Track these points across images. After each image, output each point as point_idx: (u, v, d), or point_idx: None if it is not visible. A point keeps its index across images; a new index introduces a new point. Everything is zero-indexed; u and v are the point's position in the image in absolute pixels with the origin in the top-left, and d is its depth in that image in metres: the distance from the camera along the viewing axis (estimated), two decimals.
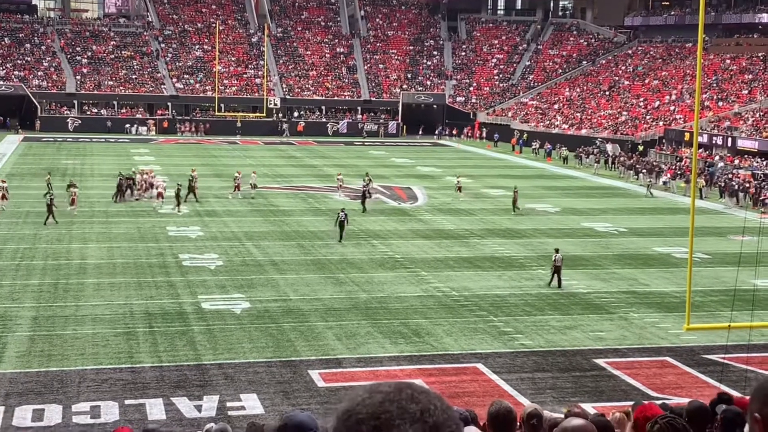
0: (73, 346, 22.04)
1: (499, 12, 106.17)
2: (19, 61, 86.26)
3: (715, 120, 68.08)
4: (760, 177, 53.32)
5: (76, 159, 61.70)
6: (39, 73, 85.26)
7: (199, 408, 18.39)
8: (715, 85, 75.17)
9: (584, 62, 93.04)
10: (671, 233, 39.30)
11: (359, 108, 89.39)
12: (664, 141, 68.86)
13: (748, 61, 76.97)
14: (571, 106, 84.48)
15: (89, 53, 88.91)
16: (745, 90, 72.57)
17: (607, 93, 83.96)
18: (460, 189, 48.57)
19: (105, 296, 26.72)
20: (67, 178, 47.71)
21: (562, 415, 8.42)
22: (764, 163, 57.35)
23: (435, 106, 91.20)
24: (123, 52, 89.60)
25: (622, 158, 64.39)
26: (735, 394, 12.25)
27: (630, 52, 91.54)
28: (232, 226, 38.75)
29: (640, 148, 68.53)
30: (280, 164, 62.04)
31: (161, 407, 18.36)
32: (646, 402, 7.40)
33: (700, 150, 59.50)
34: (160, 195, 42.74)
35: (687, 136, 64.53)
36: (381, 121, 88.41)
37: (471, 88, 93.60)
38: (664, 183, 55.25)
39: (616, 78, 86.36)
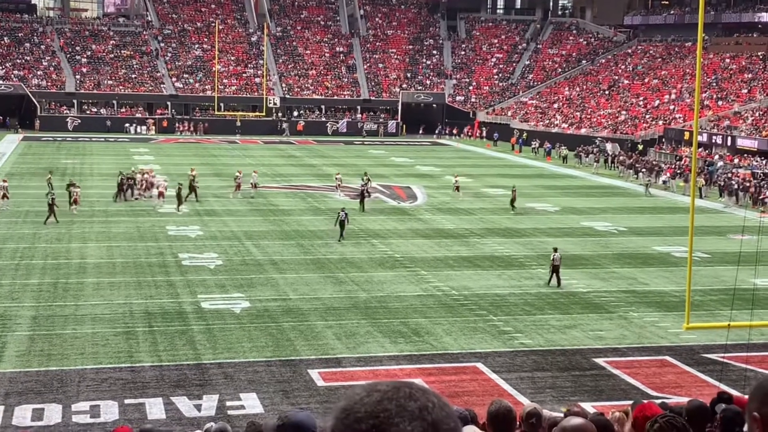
0: (72, 345, 22.04)
1: (498, 11, 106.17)
2: (18, 61, 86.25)
3: (715, 119, 68.09)
4: (760, 176, 53.33)
5: (75, 158, 61.70)
6: (38, 73, 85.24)
7: (198, 407, 18.40)
8: (714, 84, 75.17)
9: (584, 61, 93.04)
10: (671, 232, 39.30)
11: (359, 107, 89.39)
12: (663, 140, 68.87)
13: (748, 60, 76.97)
14: (570, 105, 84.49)
15: (89, 52, 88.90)
16: (745, 89, 72.57)
17: (607, 92, 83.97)
18: (458, 188, 48.62)
19: (104, 296, 26.73)
20: (66, 177, 47.69)
21: (562, 415, 8.43)
22: (764, 162, 57.36)
23: (434, 105, 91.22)
24: (122, 51, 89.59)
25: (621, 157, 64.40)
26: (735, 393, 12.26)
27: (629, 51, 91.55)
28: (231, 225, 38.76)
29: (640, 147, 68.54)
30: (280, 163, 62.04)
31: (161, 406, 18.36)
32: (645, 401, 7.41)
33: (700, 149, 59.51)
34: (161, 194, 42.87)
35: (686, 135, 64.54)
36: (380, 120, 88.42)
37: (470, 88, 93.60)
38: (664, 182, 55.27)
39: (616, 77, 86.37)
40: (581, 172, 62.97)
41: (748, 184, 50.57)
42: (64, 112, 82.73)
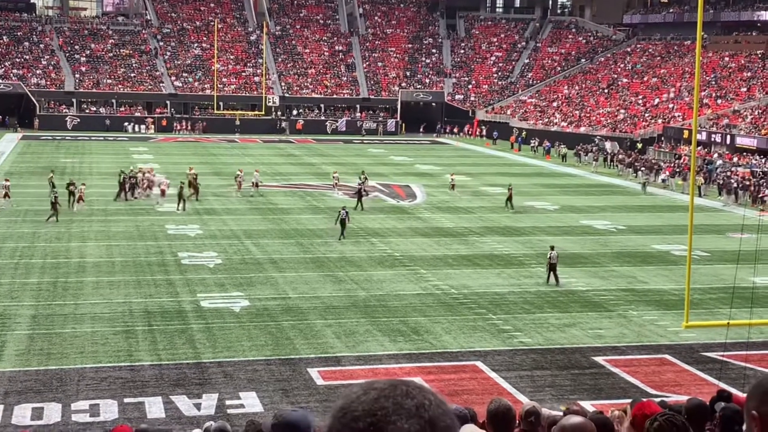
0: (72, 344, 22.04)
1: (497, 10, 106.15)
2: (17, 60, 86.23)
3: (714, 117, 68.10)
4: (759, 174, 53.34)
5: (74, 157, 61.69)
6: (38, 72, 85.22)
7: (198, 406, 18.40)
8: (713, 82, 75.18)
9: (583, 60, 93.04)
10: (670, 231, 39.31)
11: (358, 106, 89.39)
12: (662, 138, 68.88)
13: (747, 58, 76.98)
14: (569, 103, 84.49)
15: (88, 51, 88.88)
16: (744, 87, 72.58)
17: (606, 91, 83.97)
18: (453, 186, 48.75)
19: (104, 295, 26.73)
20: (66, 176, 47.69)
21: (561, 413, 8.43)
22: (763, 160, 57.36)
23: (434, 104, 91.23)
24: (121, 50, 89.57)
25: (620, 156, 64.41)
26: (734, 391, 12.27)
27: (629, 49, 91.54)
28: (231, 224, 38.76)
29: (639, 145, 68.53)
30: (279, 162, 62.03)
31: (160, 405, 18.37)
32: (644, 399, 7.41)
33: (699, 147, 59.51)
34: (163, 192, 43.13)
35: (686, 133, 64.56)
36: (380, 119, 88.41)
37: (470, 86, 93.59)
38: (663, 180, 55.29)
39: (615, 76, 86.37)
40: (580, 170, 62.98)
41: (747, 183, 50.58)
42: (64, 111, 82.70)
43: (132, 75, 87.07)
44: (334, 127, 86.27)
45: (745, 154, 59.93)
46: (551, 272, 29.24)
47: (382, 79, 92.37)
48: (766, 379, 2.53)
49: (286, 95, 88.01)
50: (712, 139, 64.16)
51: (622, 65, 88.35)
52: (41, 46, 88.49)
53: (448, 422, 2.06)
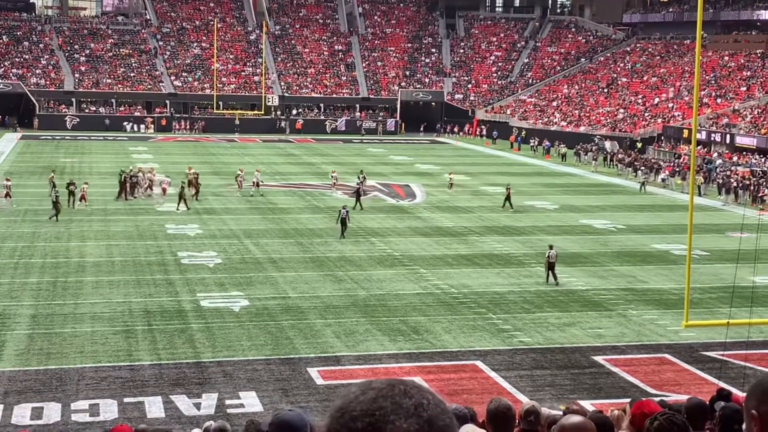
0: (71, 344, 22.04)
1: (497, 9, 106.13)
2: (17, 59, 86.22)
3: (714, 117, 68.10)
4: (758, 174, 53.34)
5: (74, 157, 61.69)
6: (37, 71, 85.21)
7: (198, 406, 18.40)
8: (713, 82, 75.18)
9: (582, 59, 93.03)
10: (669, 230, 39.31)
11: (358, 105, 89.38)
12: (662, 138, 68.88)
13: (747, 58, 76.98)
14: (569, 103, 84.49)
15: (87, 51, 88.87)
16: (744, 87, 72.58)
17: (606, 90, 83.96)
18: (451, 185, 48.83)
19: (104, 294, 26.73)
20: (66, 176, 47.70)
21: (561, 413, 8.42)
22: (762, 159, 57.37)
23: (433, 103, 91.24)
24: (121, 50, 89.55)
25: (620, 155, 64.41)
26: (734, 390, 12.27)
27: (628, 49, 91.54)
28: (230, 223, 38.76)
29: (639, 145, 68.54)
30: (279, 162, 62.03)
31: (160, 405, 18.37)
32: (643, 399, 7.41)
33: (699, 147, 59.51)
34: (164, 190, 43.33)
35: (685, 133, 64.56)
36: (379, 118, 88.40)
37: (469, 86, 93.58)
38: (663, 180, 55.29)
39: (615, 75, 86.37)
40: (580, 170, 62.98)
41: (746, 182, 50.58)
42: (63, 110, 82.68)
43: (131, 74, 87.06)
44: (333, 126, 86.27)
45: (744, 153, 59.92)
46: (550, 271, 29.25)
47: (381, 78, 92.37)
48: (765, 379, 2.53)
49: (286, 95, 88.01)
50: (712, 139, 64.16)
51: (621, 64, 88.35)
52: (41, 45, 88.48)
53: (446, 421, 2.06)
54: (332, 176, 50.50)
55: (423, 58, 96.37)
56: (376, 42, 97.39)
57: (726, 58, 78.61)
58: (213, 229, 37.47)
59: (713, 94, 72.80)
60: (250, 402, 18.66)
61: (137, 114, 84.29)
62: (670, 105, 74.56)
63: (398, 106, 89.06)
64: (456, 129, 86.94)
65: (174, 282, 28.40)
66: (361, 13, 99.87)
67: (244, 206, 43.32)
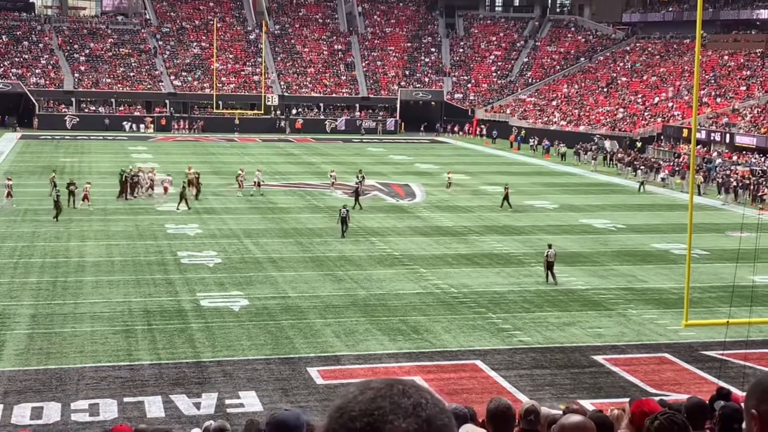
0: (71, 343, 22.04)
1: (496, 9, 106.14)
2: (16, 59, 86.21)
3: (713, 116, 68.10)
4: (758, 173, 53.35)
5: (74, 157, 61.69)
6: (37, 71, 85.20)
7: (197, 405, 18.40)
8: (713, 81, 75.18)
9: (582, 59, 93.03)
10: (669, 229, 39.31)
11: (357, 105, 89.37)
12: (662, 137, 68.88)
13: (746, 57, 76.98)
14: (569, 102, 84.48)
15: (87, 51, 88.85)
16: (743, 86, 72.59)
17: (605, 90, 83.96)
18: (449, 185, 48.92)
19: (103, 294, 26.73)
20: (66, 176, 47.70)
21: (561, 412, 8.42)
22: (762, 159, 57.37)
23: (433, 103, 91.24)
24: (121, 49, 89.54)
25: (620, 155, 64.41)
26: (733, 390, 12.26)
27: (628, 48, 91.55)
28: (230, 223, 38.77)
29: (638, 144, 68.54)
30: (278, 161, 62.03)
31: (160, 405, 18.37)
32: (642, 398, 7.41)
33: (698, 146, 59.52)
34: (165, 189, 43.53)
35: (685, 132, 64.57)
36: (379, 118, 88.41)
37: (469, 85, 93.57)
38: (662, 179, 55.30)
39: (614, 74, 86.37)
40: (580, 169, 62.98)
41: (746, 181, 50.58)
42: (63, 110, 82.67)
43: (131, 74, 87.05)
44: (333, 126, 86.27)
45: (744, 152, 59.92)
46: (548, 271, 29.25)
47: (381, 78, 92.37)
48: (765, 378, 2.53)
49: (286, 94, 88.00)
50: (712, 138, 64.16)
51: (621, 64, 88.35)
52: (40, 45, 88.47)
53: (445, 420, 2.06)
54: (331, 175, 50.52)
55: (422, 58, 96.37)
56: (375, 41, 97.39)
57: (725, 57, 78.62)
58: (213, 228, 37.47)
59: (713, 93, 72.80)
60: (250, 402, 18.66)
61: (137, 114, 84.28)
62: (670, 104, 74.56)
63: (398, 105, 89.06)
64: (456, 128, 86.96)
65: (174, 282, 28.41)
66: (360, 13, 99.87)
67: (244, 206, 43.32)
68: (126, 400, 18.57)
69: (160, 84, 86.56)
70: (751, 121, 64.67)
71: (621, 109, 78.14)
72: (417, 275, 30.01)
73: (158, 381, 19.67)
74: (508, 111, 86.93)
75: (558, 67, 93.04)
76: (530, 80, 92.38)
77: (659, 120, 72.04)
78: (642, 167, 57.62)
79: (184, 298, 26.41)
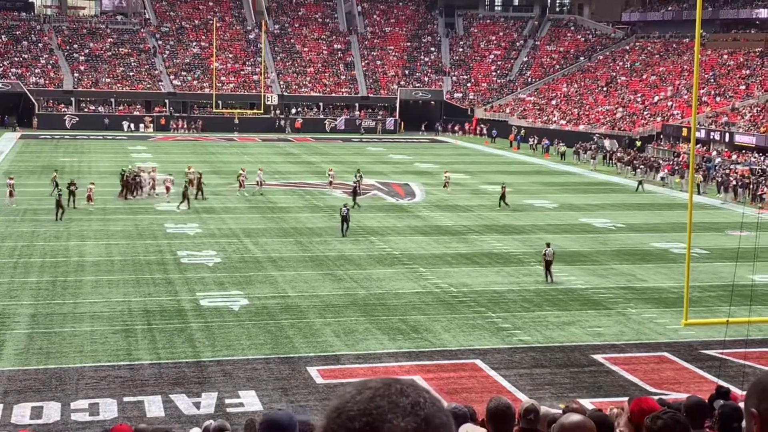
0: (71, 343, 22.03)
1: (496, 8, 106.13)
2: (16, 59, 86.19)
3: (713, 115, 68.10)
4: (758, 172, 53.35)
5: (73, 156, 61.68)
6: (36, 71, 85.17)
7: (197, 405, 18.40)
8: (712, 80, 75.17)
9: (582, 58, 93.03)
10: (669, 228, 39.31)
11: (357, 104, 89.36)
12: (661, 136, 68.89)
13: (746, 56, 76.97)
14: (568, 102, 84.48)
15: (86, 50, 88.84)
16: (743, 85, 72.59)
17: (605, 89, 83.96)
18: (446, 185, 49.05)
19: (103, 293, 26.73)
20: (65, 176, 47.68)
21: (560, 411, 8.42)
22: (761, 158, 57.37)
23: (433, 102, 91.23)
24: (120, 49, 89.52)
25: (619, 154, 64.41)
26: (733, 389, 12.27)
27: (627, 47, 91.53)
28: (230, 223, 38.76)
29: (638, 143, 68.54)
30: (278, 161, 62.03)
31: (160, 404, 18.36)
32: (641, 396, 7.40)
33: (698, 145, 59.50)
34: (167, 188, 43.68)
35: (684, 131, 64.57)
36: (379, 117, 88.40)
37: (468, 85, 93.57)
38: (662, 178, 55.30)
39: (614, 74, 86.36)
40: (579, 168, 62.98)
41: (746, 180, 50.59)
42: (62, 110, 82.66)
43: (131, 74, 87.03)
44: (333, 125, 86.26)
45: (743, 151, 59.91)
46: (546, 269, 29.25)
47: (380, 77, 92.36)
48: (765, 377, 2.53)
49: (285, 94, 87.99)
50: (711, 137, 64.16)
51: (620, 63, 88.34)
52: (40, 45, 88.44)
53: (443, 419, 2.06)
54: (329, 174, 50.53)
55: (422, 57, 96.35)
56: (375, 41, 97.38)
57: (725, 56, 78.61)
58: (212, 228, 37.47)
59: (712, 92, 72.80)
60: (250, 401, 18.65)
61: (136, 113, 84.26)
62: (669, 103, 74.55)
63: (397, 104, 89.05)
64: (456, 128, 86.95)
65: (173, 281, 28.40)
66: (360, 12, 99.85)
67: (244, 205, 43.32)
68: (126, 399, 18.56)
69: (160, 83, 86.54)
70: (751, 120, 64.68)
71: (620, 109, 78.14)
72: (417, 274, 30.01)
73: (158, 380, 19.67)
74: (508, 110, 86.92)
75: (557, 67, 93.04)
76: (530, 79, 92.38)
77: (659, 119, 72.04)
78: (641, 166, 57.61)
79: (183, 298, 26.41)
